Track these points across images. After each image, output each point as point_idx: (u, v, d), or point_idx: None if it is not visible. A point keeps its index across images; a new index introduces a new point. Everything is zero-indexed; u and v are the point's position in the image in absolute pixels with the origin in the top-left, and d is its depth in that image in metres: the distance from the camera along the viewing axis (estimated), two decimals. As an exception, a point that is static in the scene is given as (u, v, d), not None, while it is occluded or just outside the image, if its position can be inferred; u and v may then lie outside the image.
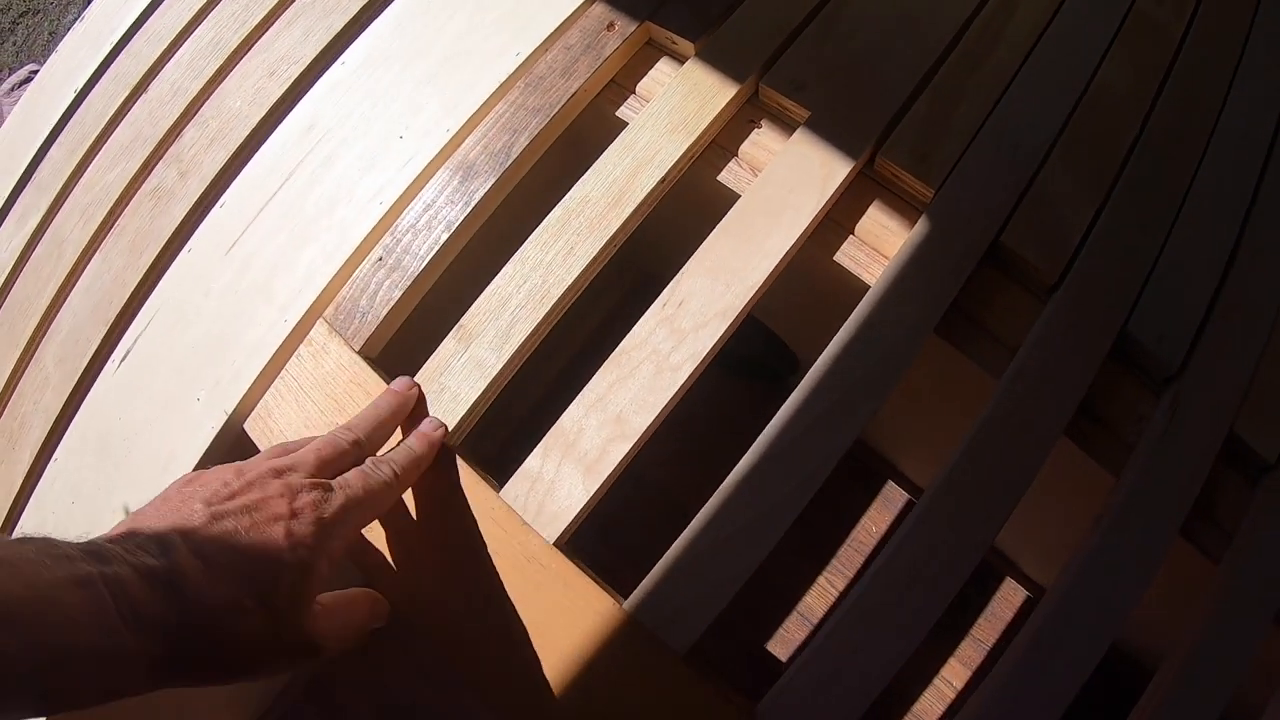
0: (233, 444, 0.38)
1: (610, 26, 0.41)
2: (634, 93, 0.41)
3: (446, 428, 0.34)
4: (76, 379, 0.43)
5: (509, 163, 0.38)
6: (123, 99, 0.48)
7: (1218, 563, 0.34)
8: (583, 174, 0.38)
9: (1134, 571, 0.33)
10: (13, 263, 0.48)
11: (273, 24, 0.47)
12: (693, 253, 0.36)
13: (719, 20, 0.41)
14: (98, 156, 0.48)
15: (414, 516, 0.34)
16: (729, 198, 0.39)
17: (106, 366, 0.43)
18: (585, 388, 0.34)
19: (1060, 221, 0.37)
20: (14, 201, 0.50)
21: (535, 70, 0.40)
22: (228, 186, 0.43)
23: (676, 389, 0.33)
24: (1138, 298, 0.36)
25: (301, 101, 0.44)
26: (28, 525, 0.41)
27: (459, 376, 0.35)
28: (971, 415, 0.35)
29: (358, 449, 0.31)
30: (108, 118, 0.48)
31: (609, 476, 0.33)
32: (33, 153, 0.50)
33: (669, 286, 0.35)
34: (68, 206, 0.48)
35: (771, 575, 0.31)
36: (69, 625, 0.22)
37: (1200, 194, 0.39)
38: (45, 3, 1.25)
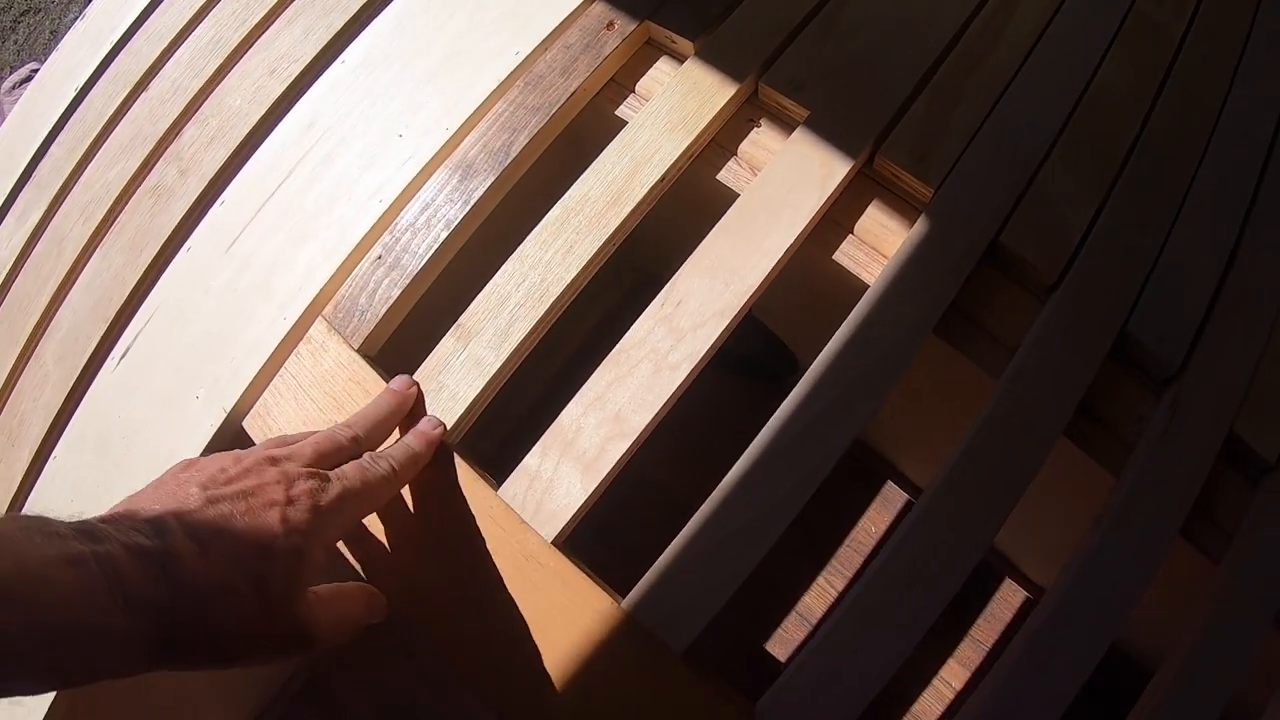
0: (232, 442, 0.38)
1: (610, 25, 0.41)
2: (633, 92, 0.41)
3: (445, 426, 0.34)
4: (76, 376, 0.43)
5: (508, 161, 0.38)
6: (123, 97, 0.48)
7: (1218, 563, 0.34)
8: (582, 173, 0.38)
9: (1134, 572, 0.33)
10: (13, 260, 0.48)
11: (273, 22, 0.47)
12: (691, 252, 0.36)
13: (718, 20, 0.41)
14: (98, 155, 0.48)
15: (412, 515, 0.34)
16: (728, 197, 0.39)
17: (106, 364, 0.43)
18: (584, 386, 0.34)
19: (1060, 221, 0.37)
20: (14, 199, 0.50)
21: (535, 69, 0.40)
22: (227, 185, 0.43)
23: (675, 388, 0.33)
24: (1138, 298, 0.36)
25: (301, 100, 0.44)
26: (27, 523, 0.41)
27: (458, 375, 0.35)
28: (970, 415, 0.35)
29: (355, 445, 0.31)
30: (108, 116, 0.48)
31: (607, 475, 0.33)
32: (33, 151, 0.51)
33: (668, 285, 0.35)
34: (68, 204, 0.48)
35: (770, 575, 0.31)
36: (60, 603, 0.22)
37: (1200, 194, 0.39)
38: (46, 1, 1.25)
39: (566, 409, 0.34)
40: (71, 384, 0.43)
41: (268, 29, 0.47)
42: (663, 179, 0.37)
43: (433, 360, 0.36)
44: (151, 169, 0.46)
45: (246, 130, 0.44)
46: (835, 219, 0.38)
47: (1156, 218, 0.38)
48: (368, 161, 0.40)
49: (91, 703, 0.41)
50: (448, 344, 0.35)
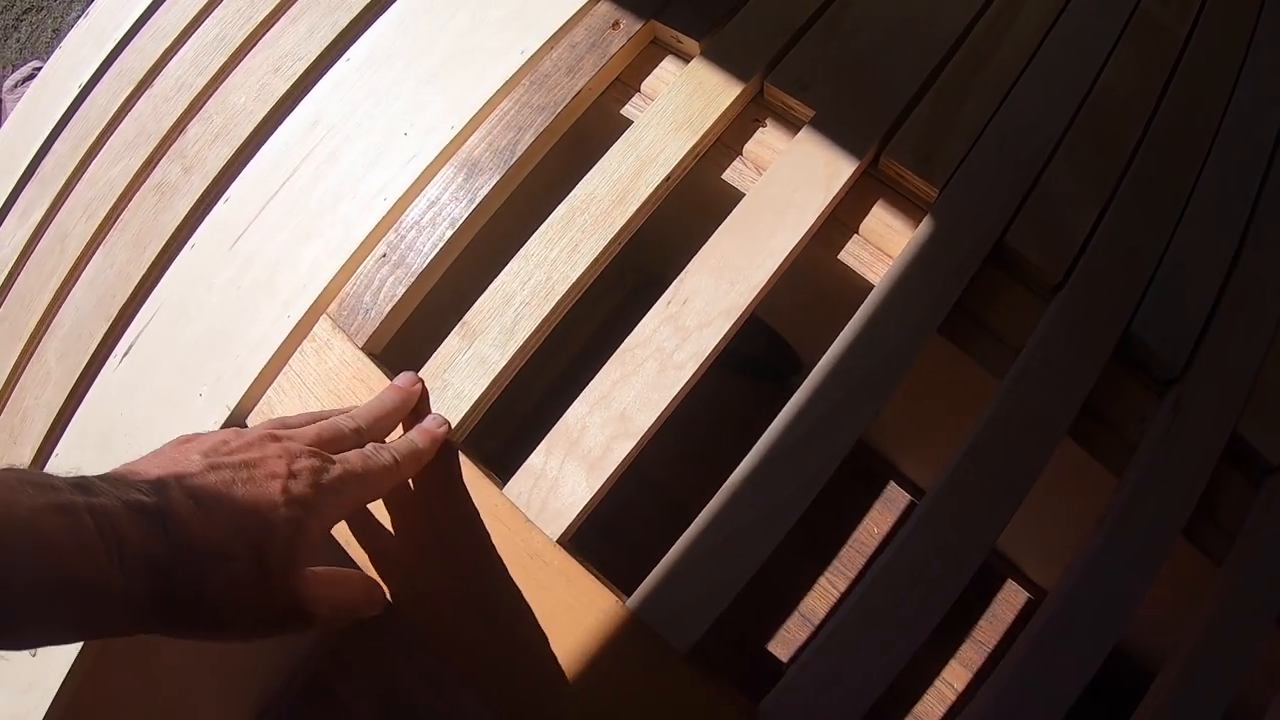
0: (235, 440, 0.38)
1: (615, 25, 0.41)
2: (639, 91, 0.41)
3: (450, 424, 0.34)
4: (79, 374, 0.43)
5: (513, 160, 0.38)
6: (127, 95, 0.48)
7: (1220, 563, 0.34)
8: (586, 172, 0.38)
9: (1136, 572, 0.33)
10: (15, 257, 0.48)
11: (278, 20, 0.47)
12: (696, 251, 0.36)
13: (724, 19, 0.41)
14: (101, 152, 0.48)
15: (416, 513, 0.34)
16: (733, 196, 0.39)
17: (109, 362, 0.42)
18: (589, 385, 0.34)
19: (1064, 221, 0.37)
20: (17, 197, 0.50)
21: (540, 68, 0.40)
22: (231, 182, 0.43)
23: (680, 387, 0.33)
24: (1141, 298, 0.36)
25: (306, 98, 0.44)
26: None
27: (463, 373, 0.35)
28: (971, 415, 0.35)
29: (358, 436, 0.31)
30: (111, 113, 0.48)
31: (612, 474, 0.33)
32: (36, 148, 0.50)
33: (673, 285, 0.35)
34: (71, 201, 0.48)
35: (773, 575, 0.31)
36: (50, 553, 0.21)
37: (1204, 194, 0.39)
38: (49, 0, 1.25)
39: (571, 408, 0.34)
40: (74, 381, 0.43)
41: (272, 26, 0.47)
42: (668, 178, 0.37)
43: (438, 358, 0.36)
44: (155, 166, 0.46)
45: (251, 128, 0.44)
46: (840, 219, 0.38)
47: (1160, 218, 0.38)
48: (372, 159, 0.40)
49: (94, 700, 0.41)
50: (453, 342, 0.35)
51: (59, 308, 0.46)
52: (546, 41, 0.41)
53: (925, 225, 0.36)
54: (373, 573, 0.33)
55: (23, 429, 0.44)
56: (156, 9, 0.51)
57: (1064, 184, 0.38)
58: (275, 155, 0.43)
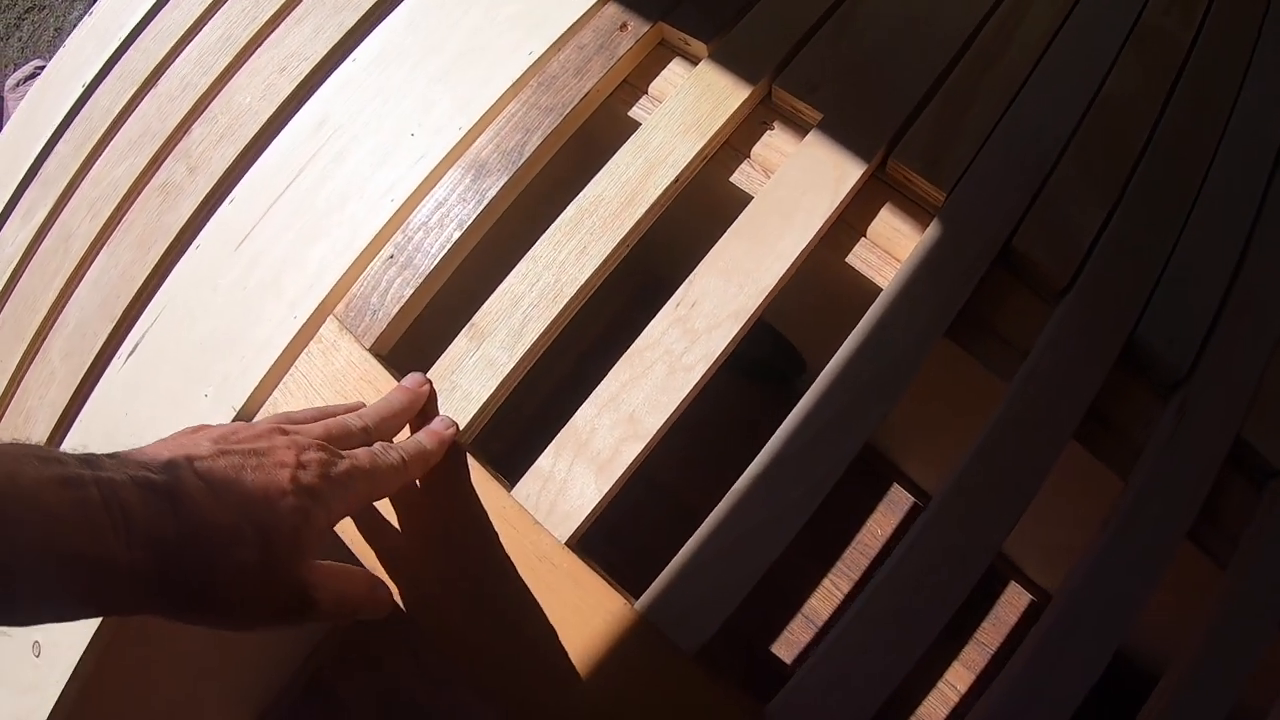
0: (241, 441, 0.38)
1: (623, 27, 0.41)
2: (646, 93, 0.41)
3: (458, 426, 0.34)
4: (83, 374, 0.43)
5: (521, 161, 0.38)
6: (131, 94, 0.48)
7: (1224, 567, 0.35)
8: (594, 173, 0.38)
9: (1141, 575, 0.33)
10: (19, 257, 0.48)
11: (283, 20, 0.47)
12: (704, 253, 0.36)
13: (732, 22, 0.41)
14: (105, 152, 0.48)
15: (424, 514, 0.34)
16: (739, 199, 0.39)
17: (113, 362, 0.42)
18: (598, 388, 0.34)
19: (1071, 225, 0.37)
20: (20, 196, 0.50)
21: (548, 69, 0.40)
22: (237, 183, 0.43)
23: (689, 389, 0.33)
24: (1147, 302, 0.37)
25: (312, 98, 0.44)
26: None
27: (471, 375, 0.35)
28: (976, 417, 0.35)
29: (365, 435, 0.31)
30: (115, 113, 0.48)
31: (621, 476, 0.33)
32: (39, 148, 0.50)
33: (682, 287, 0.35)
34: (75, 201, 0.48)
35: (776, 577, 0.31)
36: (54, 525, 0.21)
37: (1210, 197, 0.39)
38: (50, -1, 1.24)
39: (580, 410, 0.34)
40: (78, 382, 0.43)
41: (278, 26, 0.47)
42: (676, 180, 0.37)
43: (446, 360, 0.36)
44: (160, 166, 0.46)
45: (256, 128, 0.44)
46: (848, 221, 0.38)
47: (1166, 221, 0.38)
48: (379, 160, 0.40)
49: (97, 701, 0.41)
50: (461, 344, 0.35)
51: (63, 307, 0.46)
52: (554, 43, 0.41)
53: (933, 229, 0.36)
54: (380, 573, 0.33)
55: (26, 429, 0.44)
56: (160, 9, 0.50)
57: (1071, 187, 0.38)
58: (281, 155, 0.43)
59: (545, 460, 0.33)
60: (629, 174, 0.37)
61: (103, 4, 0.53)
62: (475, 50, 0.42)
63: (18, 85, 0.99)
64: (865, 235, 0.38)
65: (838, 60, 0.40)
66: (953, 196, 0.37)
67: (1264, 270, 0.38)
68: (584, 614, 0.32)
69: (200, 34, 0.48)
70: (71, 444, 0.42)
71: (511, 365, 0.34)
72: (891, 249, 0.37)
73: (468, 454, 0.34)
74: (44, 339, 0.46)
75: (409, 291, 0.37)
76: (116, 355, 0.42)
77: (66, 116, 0.50)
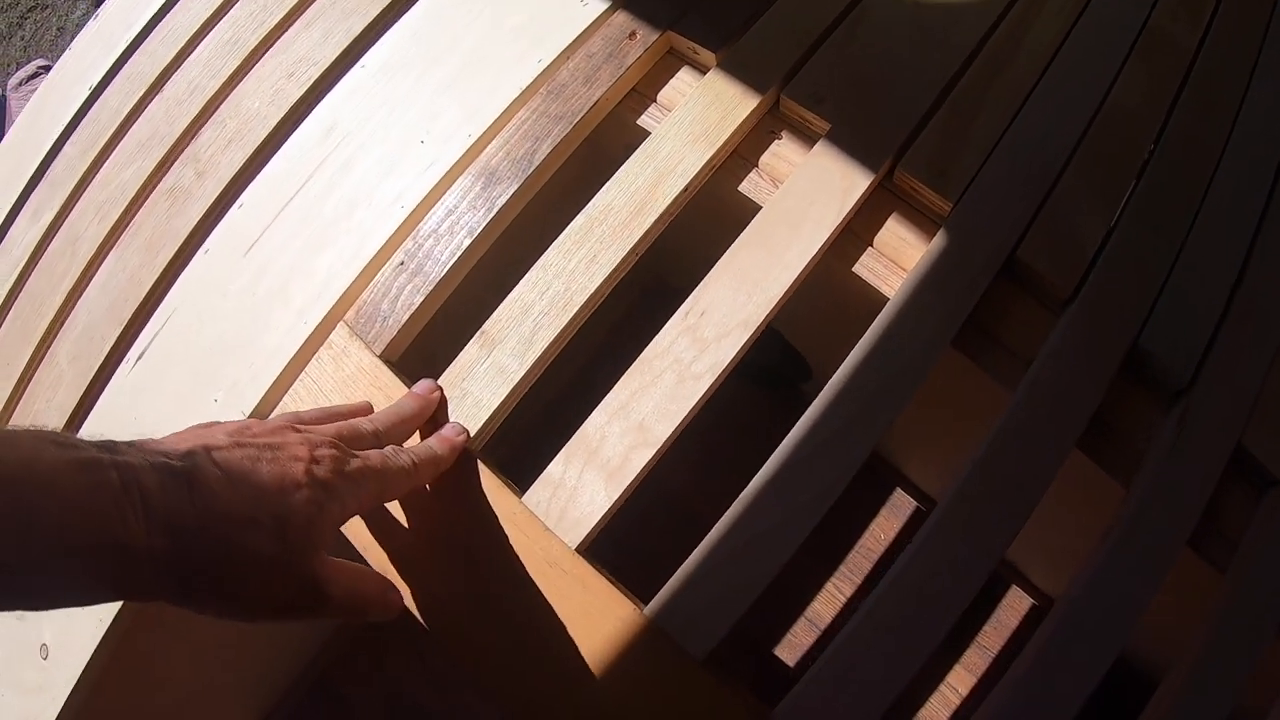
0: (252, 446, 0.38)
1: (632, 35, 0.41)
2: (655, 101, 0.42)
3: (469, 433, 0.34)
4: (91, 377, 0.43)
5: (531, 169, 0.38)
6: (139, 97, 0.48)
7: (1223, 573, 0.35)
8: (602, 181, 0.38)
9: (1142, 581, 0.33)
10: (26, 258, 0.48)
11: (291, 25, 0.47)
12: (708, 259, 0.36)
13: (740, 31, 0.41)
14: (113, 154, 0.48)
15: (435, 520, 0.34)
16: (746, 206, 0.39)
17: (122, 366, 0.42)
18: (608, 396, 0.34)
19: (1075, 235, 0.38)
20: (27, 197, 0.50)
21: (557, 77, 0.41)
22: (245, 188, 0.43)
23: (698, 398, 0.34)
24: (1150, 311, 0.37)
25: (320, 104, 0.44)
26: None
27: (481, 382, 0.35)
28: (978, 421, 0.35)
29: (376, 439, 0.31)
30: (123, 115, 0.48)
31: (631, 483, 0.33)
32: (46, 149, 0.50)
33: (691, 296, 0.36)
34: (83, 203, 0.48)
35: (780, 579, 0.32)
36: (69, 507, 0.21)
37: (1213, 207, 0.40)
38: (53, -3, 1.23)
39: (590, 418, 0.34)
40: (86, 384, 0.43)
41: (286, 31, 0.47)
42: (685, 190, 0.37)
43: (456, 367, 0.36)
44: (168, 170, 0.46)
45: (265, 133, 0.44)
46: (855, 231, 0.38)
47: (1169, 231, 0.39)
48: (388, 167, 0.41)
49: (107, 700, 0.41)
50: (471, 351, 0.36)
51: (71, 310, 0.46)
52: (564, 51, 0.41)
53: (939, 239, 0.37)
54: (389, 576, 0.34)
55: (34, 432, 0.44)
56: (167, 12, 0.50)
57: (1075, 197, 0.39)
58: (290, 161, 0.43)
59: (556, 467, 0.34)
60: (638, 183, 0.37)
61: (108, 6, 0.53)
62: (484, 57, 0.42)
63: (20, 85, 0.99)
64: (872, 245, 0.38)
65: (845, 70, 0.40)
66: (959, 207, 0.37)
67: (1265, 280, 0.39)
68: (593, 619, 0.32)
69: (208, 37, 0.48)
70: (79, 447, 0.42)
71: (522, 373, 0.35)
72: (898, 259, 0.38)
73: (479, 460, 0.34)
74: (51, 341, 0.46)
75: (419, 299, 0.37)
76: (125, 359, 0.42)
77: (74, 118, 0.50)
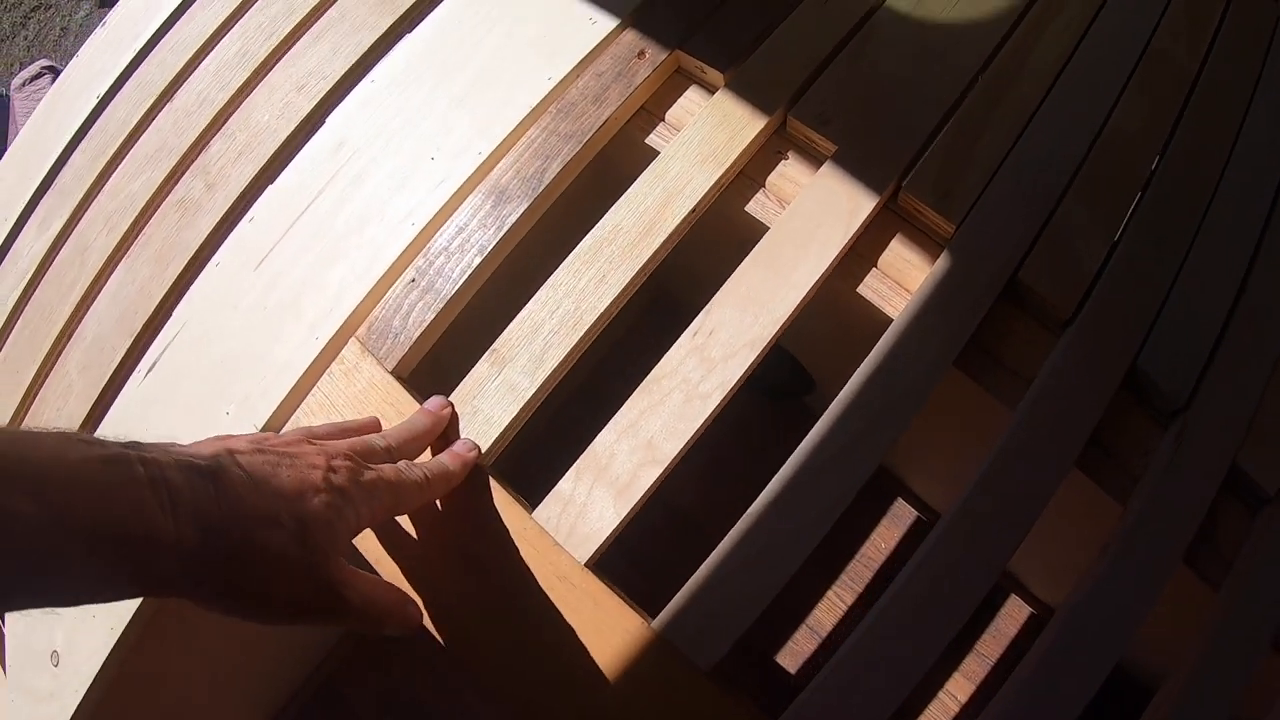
0: (264, 460, 0.38)
1: (641, 54, 0.41)
2: (663, 120, 0.42)
3: (480, 449, 0.35)
4: (101, 388, 0.43)
5: (541, 188, 0.39)
6: (147, 107, 0.48)
7: (1218, 588, 0.36)
8: (610, 199, 0.39)
9: (1138, 595, 0.34)
10: (35, 267, 0.48)
11: (300, 37, 0.47)
12: (713, 273, 0.37)
13: (748, 51, 0.41)
14: (122, 164, 0.48)
15: (446, 534, 0.35)
16: (753, 226, 0.40)
17: (132, 377, 0.43)
18: (617, 414, 0.35)
19: (1076, 257, 0.38)
20: (35, 206, 0.50)
21: (567, 96, 0.41)
22: (255, 201, 0.44)
23: (705, 417, 0.34)
24: (1149, 332, 0.38)
25: (330, 118, 0.44)
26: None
27: (492, 400, 0.36)
28: (979, 434, 0.36)
29: (388, 454, 0.32)
30: (132, 125, 0.48)
31: (639, 500, 0.34)
32: (54, 158, 0.50)
33: (699, 316, 0.36)
34: (91, 213, 0.48)
35: (782, 589, 0.32)
36: (97, 501, 0.21)
37: (1212, 228, 0.40)
38: (57, -3, 1.22)
39: (600, 436, 0.35)
40: (96, 395, 0.43)
41: (295, 44, 0.47)
42: (694, 210, 0.38)
43: (467, 384, 0.36)
44: (178, 181, 0.46)
45: (275, 147, 0.44)
46: (860, 252, 0.39)
47: (1169, 252, 0.39)
48: (399, 183, 0.41)
49: (117, 707, 0.42)
50: (482, 368, 0.36)
51: (80, 320, 0.46)
52: (573, 69, 0.41)
53: (942, 261, 0.37)
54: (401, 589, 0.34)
55: (45, 443, 0.44)
56: (176, 21, 0.50)
57: (1077, 218, 0.39)
58: (300, 176, 0.43)
59: (566, 484, 0.34)
60: (647, 203, 0.38)
61: (116, 15, 0.53)
62: (494, 74, 0.43)
63: (24, 85, 0.98)
64: (877, 265, 0.39)
65: (851, 90, 0.40)
66: (962, 228, 0.38)
67: (1261, 301, 0.39)
68: (602, 632, 0.33)
69: (217, 48, 0.49)
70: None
71: (533, 390, 0.35)
72: (902, 280, 0.38)
73: (490, 476, 0.35)
74: (61, 351, 0.46)
75: (430, 315, 0.37)
76: (135, 370, 0.43)
77: (81, 127, 0.50)
